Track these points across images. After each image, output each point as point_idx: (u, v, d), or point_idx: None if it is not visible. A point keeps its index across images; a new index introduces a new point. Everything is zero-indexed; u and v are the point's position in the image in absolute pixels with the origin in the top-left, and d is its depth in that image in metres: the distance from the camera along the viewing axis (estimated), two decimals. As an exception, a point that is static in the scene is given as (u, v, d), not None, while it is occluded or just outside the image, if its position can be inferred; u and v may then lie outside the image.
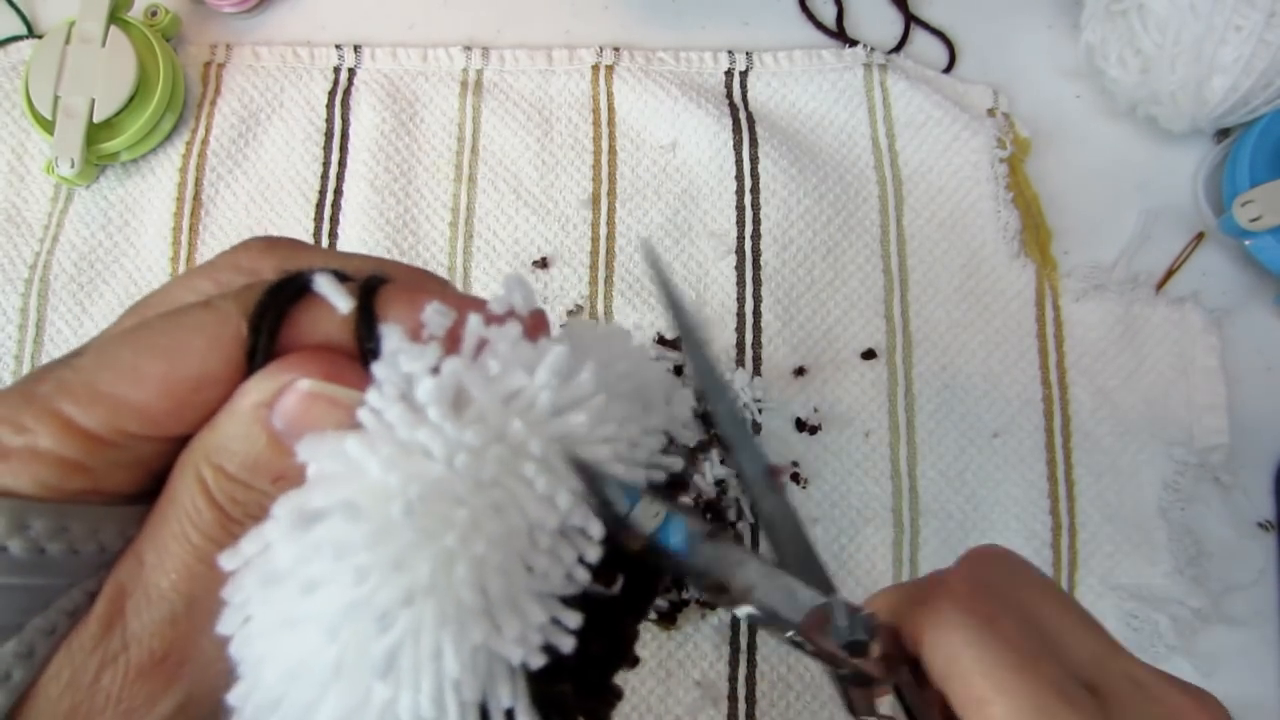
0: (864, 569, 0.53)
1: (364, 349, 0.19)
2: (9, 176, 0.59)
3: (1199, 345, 0.55)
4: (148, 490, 0.20)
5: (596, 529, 0.19)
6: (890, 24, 0.63)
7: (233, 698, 0.18)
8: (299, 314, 0.19)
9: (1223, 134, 0.59)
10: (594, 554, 0.19)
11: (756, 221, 0.58)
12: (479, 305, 0.20)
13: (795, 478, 0.54)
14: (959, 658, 0.23)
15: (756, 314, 0.56)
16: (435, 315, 0.19)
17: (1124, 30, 0.56)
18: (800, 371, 0.55)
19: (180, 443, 0.20)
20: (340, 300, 0.19)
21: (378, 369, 0.18)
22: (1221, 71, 0.52)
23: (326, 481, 0.18)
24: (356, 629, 0.17)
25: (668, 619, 0.51)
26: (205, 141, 0.60)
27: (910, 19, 0.63)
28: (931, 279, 0.57)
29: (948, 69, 0.62)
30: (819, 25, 0.63)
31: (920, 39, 0.63)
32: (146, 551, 0.19)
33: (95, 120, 0.56)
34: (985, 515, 0.53)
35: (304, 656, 0.17)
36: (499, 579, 0.18)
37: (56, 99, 0.56)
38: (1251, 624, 0.52)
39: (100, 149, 0.57)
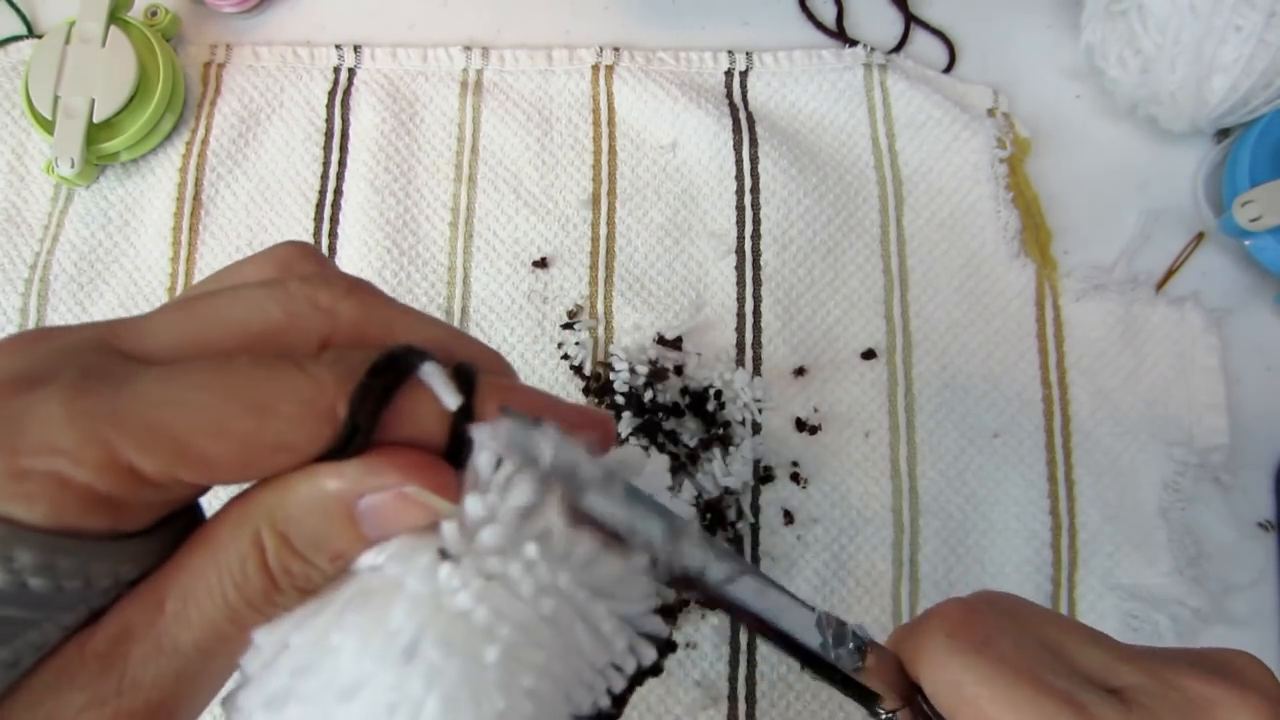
0: (864, 569, 0.53)
1: (456, 448, 0.18)
2: (9, 176, 0.59)
3: (1199, 345, 0.55)
4: (151, 528, 0.19)
5: (631, 664, 0.20)
6: (890, 24, 0.63)
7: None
8: (400, 402, 0.18)
9: (1223, 134, 0.59)
10: (620, 685, 0.20)
11: (756, 221, 0.58)
12: (565, 411, 0.19)
13: (795, 478, 0.54)
14: (962, 682, 0.23)
15: (756, 314, 0.56)
16: (524, 433, 0.18)
17: (1124, 30, 0.56)
18: (800, 371, 0.55)
19: (198, 492, 0.19)
20: (449, 396, 0.18)
21: (473, 486, 0.17)
22: (1221, 71, 0.52)
23: (407, 599, 0.17)
24: None
25: (667, 619, 0.51)
26: (205, 141, 0.60)
27: (910, 19, 0.63)
28: (931, 279, 0.57)
29: (948, 69, 0.62)
30: (819, 25, 0.63)
31: (920, 39, 0.63)
32: (169, 598, 0.18)
33: (95, 120, 0.56)
34: (985, 515, 0.53)
35: None
36: (548, 711, 0.18)
37: (56, 99, 0.56)
38: (1251, 624, 0.52)
39: (100, 149, 0.57)
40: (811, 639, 0.23)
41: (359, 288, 0.20)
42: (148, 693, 0.18)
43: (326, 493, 0.17)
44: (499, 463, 0.17)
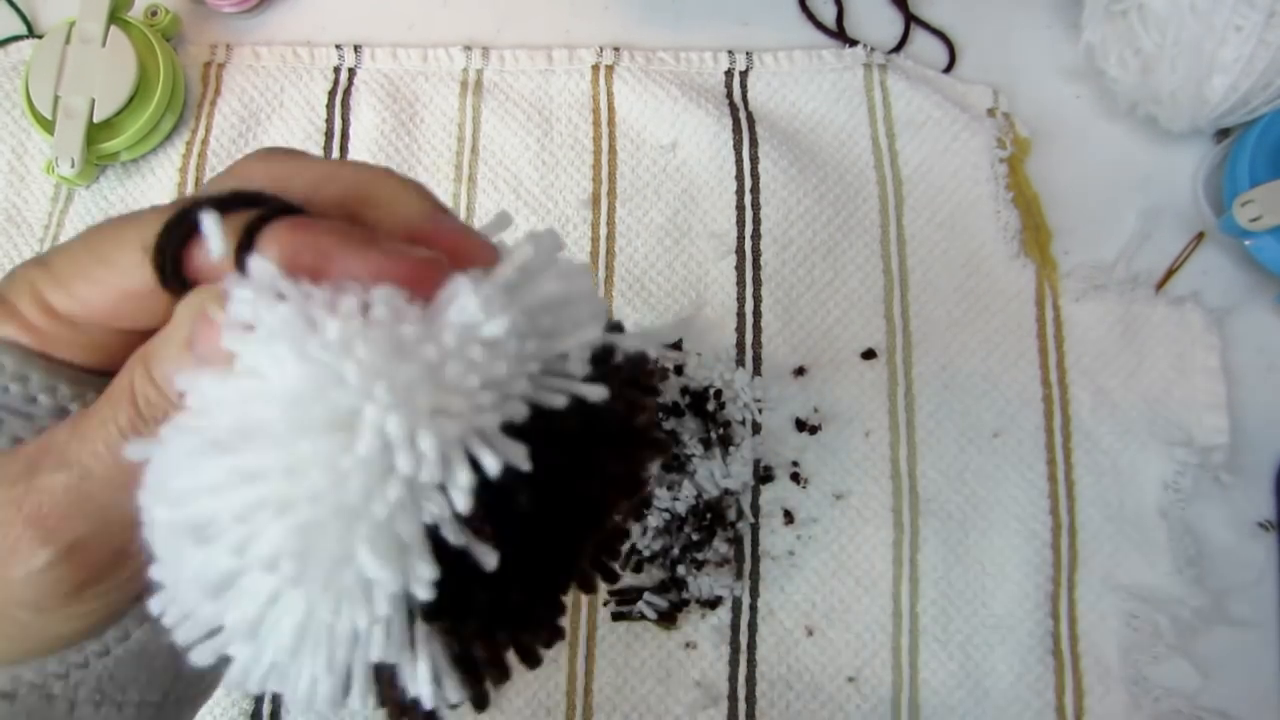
0: (864, 569, 0.53)
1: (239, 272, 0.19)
2: (9, 176, 0.59)
3: (1199, 345, 0.55)
4: (102, 370, 0.23)
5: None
6: (890, 24, 0.63)
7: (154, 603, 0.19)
8: (194, 250, 0.20)
9: (1223, 134, 0.59)
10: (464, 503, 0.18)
11: (756, 221, 0.58)
12: (359, 264, 0.19)
13: (795, 478, 0.54)
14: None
15: (756, 314, 0.56)
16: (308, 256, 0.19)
17: (1124, 30, 0.56)
18: (800, 371, 0.55)
19: (131, 339, 0.22)
20: (216, 243, 0.19)
21: (230, 308, 0.18)
22: (1221, 71, 0.52)
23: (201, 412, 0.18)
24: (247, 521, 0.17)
25: (668, 619, 0.51)
26: (205, 141, 0.60)
27: (910, 19, 0.63)
28: (931, 279, 0.57)
29: (948, 69, 0.62)
30: (819, 25, 0.63)
31: (920, 39, 0.63)
32: (80, 422, 0.21)
33: (95, 120, 0.56)
34: (985, 515, 0.53)
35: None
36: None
37: (56, 99, 0.56)
38: (1251, 624, 0.52)
39: (100, 149, 0.57)
40: None
41: (273, 154, 0.23)
42: (41, 496, 0.21)
43: (178, 329, 0.20)
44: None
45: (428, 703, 0.19)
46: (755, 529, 0.53)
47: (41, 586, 0.21)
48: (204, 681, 0.29)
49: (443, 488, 0.17)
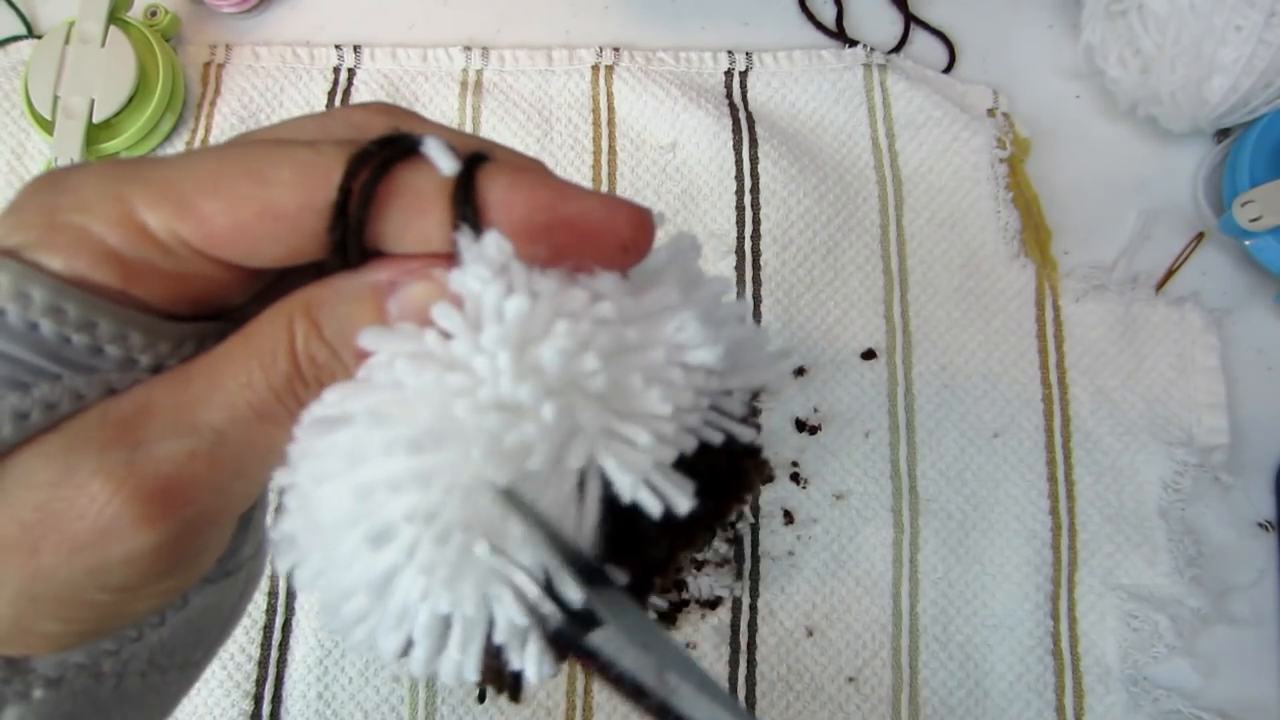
0: (864, 569, 0.53)
1: (458, 221, 0.17)
2: (9, 176, 0.59)
3: (1199, 345, 0.55)
4: (180, 316, 0.19)
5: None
6: (890, 24, 0.63)
7: (275, 532, 0.18)
8: (400, 171, 0.18)
9: (1223, 134, 0.59)
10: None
11: (756, 221, 0.58)
12: (606, 208, 0.18)
13: (795, 478, 0.54)
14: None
15: (756, 314, 0.56)
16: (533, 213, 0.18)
17: (1124, 30, 0.56)
18: (800, 371, 0.55)
19: (225, 287, 0.19)
20: (445, 162, 0.18)
21: (456, 279, 0.17)
22: (1221, 71, 0.52)
23: (363, 387, 0.18)
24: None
25: (668, 619, 0.51)
26: (205, 142, 0.60)
27: (910, 19, 0.63)
28: (931, 279, 0.57)
29: (948, 69, 0.62)
30: (819, 25, 0.63)
31: (920, 39, 0.63)
32: (196, 379, 0.18)
33: (95, 120, 0.56)
34: (985, 515, 0.53)
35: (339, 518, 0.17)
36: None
37: (56, 99, 0.56)
38: (1251, 624, 0.52)
39: (100, 149, 0.57)
40: None
41: (394, 109, 0.20)
42: (159, 468, 0.17)
43: (363, 280, 0.18)
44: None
45: (533, 678, 0.18)
46: (755, 529, 0.53)
47: (138, 568, 0.18)
48: (232, 628, 0.27)
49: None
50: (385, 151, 0.18)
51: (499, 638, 0.18)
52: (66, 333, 0.17)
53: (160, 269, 0.18)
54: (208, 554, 0.20)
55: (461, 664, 0.18)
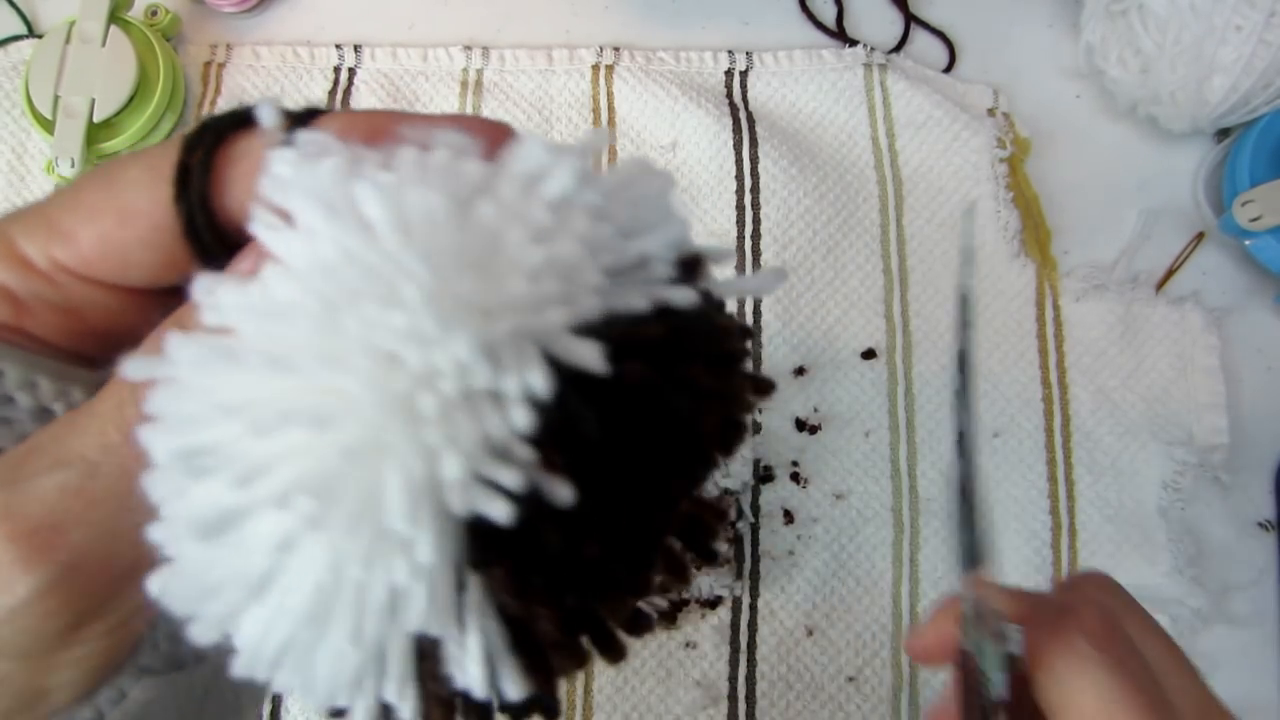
0: (864, 569, 0.53)
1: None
2: (9, 176, 0.59)
3: (1199, 345, 0.55)
4: (92, 360, 0.19)
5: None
6: (890, 24, 0.63)
7: (152, 583, 0.16)
8: (236, 139, 0.17)
9: (1223, 134, 0.59)
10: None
11: (756, 221, 0.58)
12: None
13: (795, 478, 0.54)
14: (1085, 692, 0.23)
15: (756, 314, 0.56)
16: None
17: (1124, 30, 0.56)
18: (800, 371, 0.55)
19: (122, 315, 0.19)
20: (272, 118, 0.17)
21: (266, 177, 0.15)
22: (1221, 71, 0.52)
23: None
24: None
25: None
26: (205, 141, 0.60)
27: (910, 19, 0.63)
28: (931, 279, 0.57)
29: (948, 69, 0.62)
30: (819, 25, 0.63)
31: (920, 39, 0.63)
32: (79, 416, 0.17)
33: (95, 120, 0.56)
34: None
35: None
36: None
37: (56, 99, 0.56)
38: (1251, 624, 0.52)
39: (100, 149, 0.57)
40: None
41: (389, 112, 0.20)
42: (29, 504, 0.17)
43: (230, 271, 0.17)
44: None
45: (478, 689, 0.15)
46: (755, 529, 0.53)
47: (29, 622, 0.16)
48: None
49: (500, 402, 0.14)
50: (221, 123, 0.17)
51: (418, 620, 0.14)
52: (7, 391, 0.17)
53: (50, 301, 0.18)
54: (117, 614, 0.18)
55: (364, 668, 0.15)
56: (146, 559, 0.16)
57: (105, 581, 0.17)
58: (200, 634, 0.15)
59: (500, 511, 0.13)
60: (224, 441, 0.14)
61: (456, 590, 0.14)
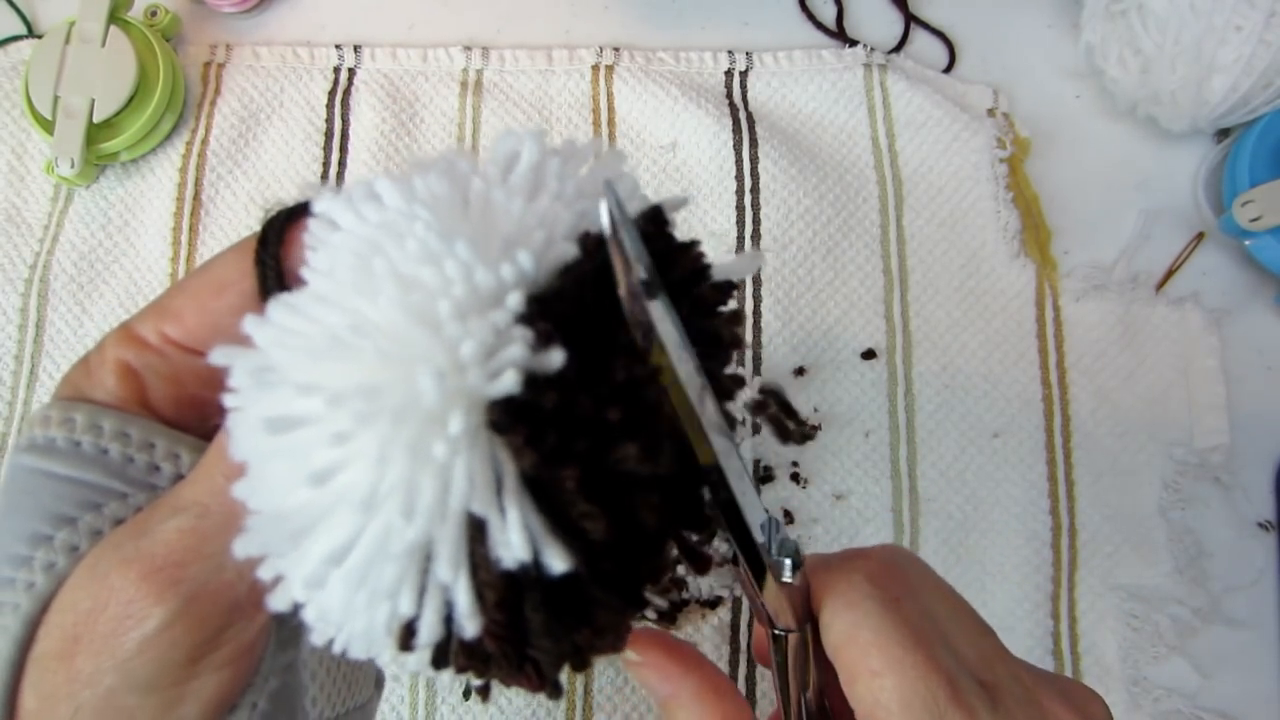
0: (864, 569, 0.53)
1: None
2: (9, 176, 0.59)
3: (1199, 345, 0.55)
4: (195, 424, 0.22)
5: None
6: (890, 24, 0.63)
7: (238, 546, 0.18)
8: (297, 229, 0.21)
9: (1223, 134, 0.59)
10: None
11: (756, 221, 0.58)
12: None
13: (795, 478, 0.54)
14: (861, 627, 0.23)
15: (756, 314, 0.56)
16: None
17: (1124, 30, 0.56)
18: (800, 371, 0.55)
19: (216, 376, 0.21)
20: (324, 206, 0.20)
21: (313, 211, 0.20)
22: (1221, 71, 0.52)
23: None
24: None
25: (668, 619, 0.51)
26: (205, 141, 0.60)
27: (910, 19, 0.63)
28: (931, 279, 0.57)
29: (948, 69, 0.62)
30: (819, 25, 0.63)
31: (920, 39, 0.63)
32: (191, 469, 0.21)
33: (95, 120, 0.56)
34: (985, 515, 0.53)
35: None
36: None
37: (56, 99, 0.56)
38: (1251, 624, 0.52)
39: (100, 149, 0.57)
40: (756, 536, 0.22)
41: None
42: (155, 546, 0.20)
43: None
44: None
45: (522, 556, 0.17)
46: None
47: (158, 652, 0.19)
48: None
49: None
50: (284, 216, 0.21)
51: (461, 497, 0.17)
52: (130, 453, 0.21)
53: (161, 374, 0.22)
54: (230, 648, 0.20)
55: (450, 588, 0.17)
56: (254, 594, 0.19)
57: (221, 611, 0.20)
58: (263, 542, 0.17)
59: (510, 381, 0.17)
60: (286, 363, 0.17)
61: (491, 470, 0.17)
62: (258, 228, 0.21)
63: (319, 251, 0.19)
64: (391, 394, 0.16)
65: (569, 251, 0.18)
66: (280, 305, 0.18)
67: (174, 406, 0.22)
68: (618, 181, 0.20)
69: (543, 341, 0.17)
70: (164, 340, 0.21)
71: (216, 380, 0.20)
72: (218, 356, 0.18)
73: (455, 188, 0.19)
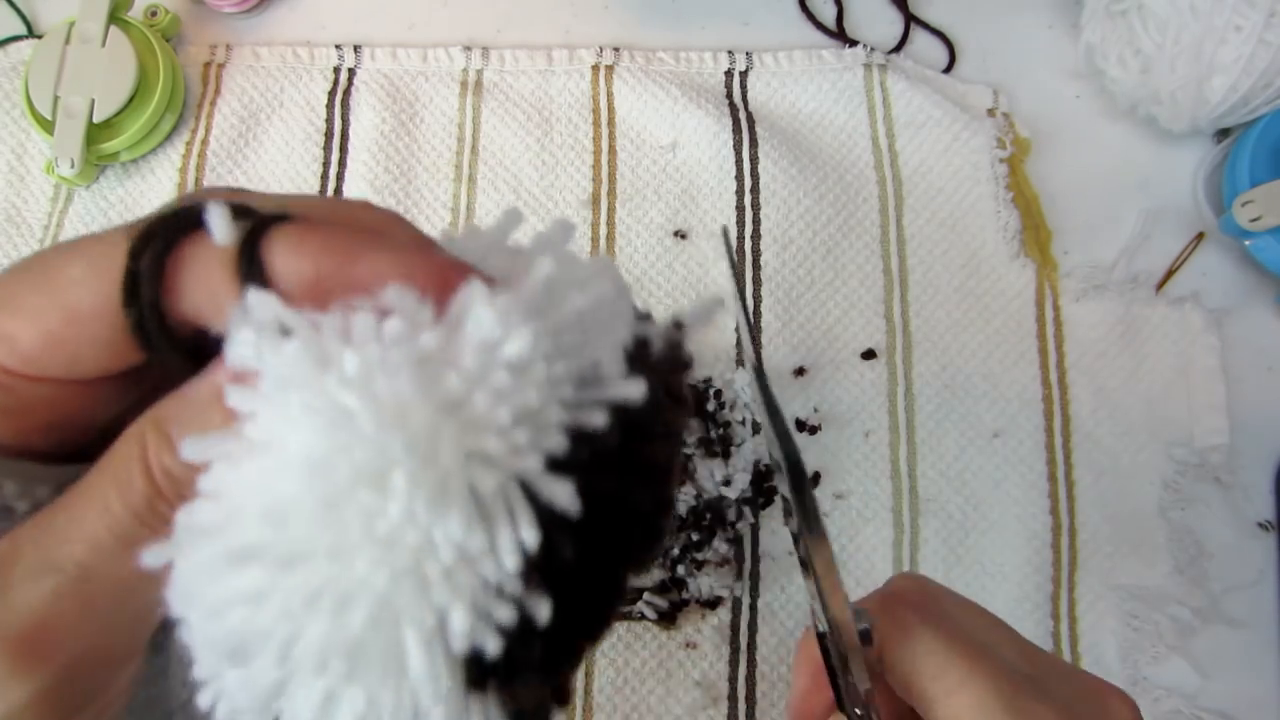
0: (864, 569, 0.53)
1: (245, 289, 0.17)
2: (9, 176, 0.59)
3: (1199, 345, 0.55)
4: (56, 455, 0.19)
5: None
6: (890, 24, 0.63)
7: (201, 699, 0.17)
8: (187, 245, 0.17)
9: (1223, 134, 0.59)
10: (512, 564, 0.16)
11: (756, 221, 0.58)
12: (418, 263, 0.17)
13: (795, 478, 0.54)
14: (925, 655, 0.26)
15: (756, 314, 0.56)
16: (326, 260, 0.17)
17: (1124, 30, 0.56)
18: (800, 371, 0.55)
19: (73, 405, 0.18)
20: (223, 232, 0.17)
21: (229, 353, 0.16)
22: (1221, 71, 0.52)
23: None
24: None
25: (668, 619, 0.51)
26: (205, 141, 0.60)
27: (910, 19, 0.63)
28: (931, 279, 0.57)
29: (948, 69, 0.62)
30: (819, 25, 0.63)
31: (920, 39, 0.63)
32: (58, 514, 0.17)
33: (95, 120, 0.56)
34: (985, 515, 0.53)
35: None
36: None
37: (56, 99, 0.56)
38: (1251, 624, 0.52)
39: (100, 149, 0.57)
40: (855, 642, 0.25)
41: (216, 190, 0.20)
42: (20, 613, 0.16)
43: (207, 382, 0.17)
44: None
45: None
46: (755, 529, 0.53)
47: None
48: None
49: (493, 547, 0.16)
50: (170, 227, 0.17)
51: None
52: (7, 502, 0.17)
53: (7, 407, 0.18)
54: (102, 697, 0.18)
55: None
56: (137, 646, 0.17)
57: (100, 677, 0.18)
58: None
59: (492, 645, 0.16)
60: (258, 626, 0.15)
61: (465, 695, 0.16)
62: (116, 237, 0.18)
63: (255, 411, 0.16)
64: (377, 656, 0.16)
65: (565, 497, 0.16)
66: (230, 557, 0.15)
67: (13, 435, 0.18)
68: (606, 306, 0.18)
69: (532, 592, 0.16)
70: (2, 372, 0.17)
71: (65, 405, 0.18)
72: (175, 603, 0.16)
73: (427, 394, 0.15)
